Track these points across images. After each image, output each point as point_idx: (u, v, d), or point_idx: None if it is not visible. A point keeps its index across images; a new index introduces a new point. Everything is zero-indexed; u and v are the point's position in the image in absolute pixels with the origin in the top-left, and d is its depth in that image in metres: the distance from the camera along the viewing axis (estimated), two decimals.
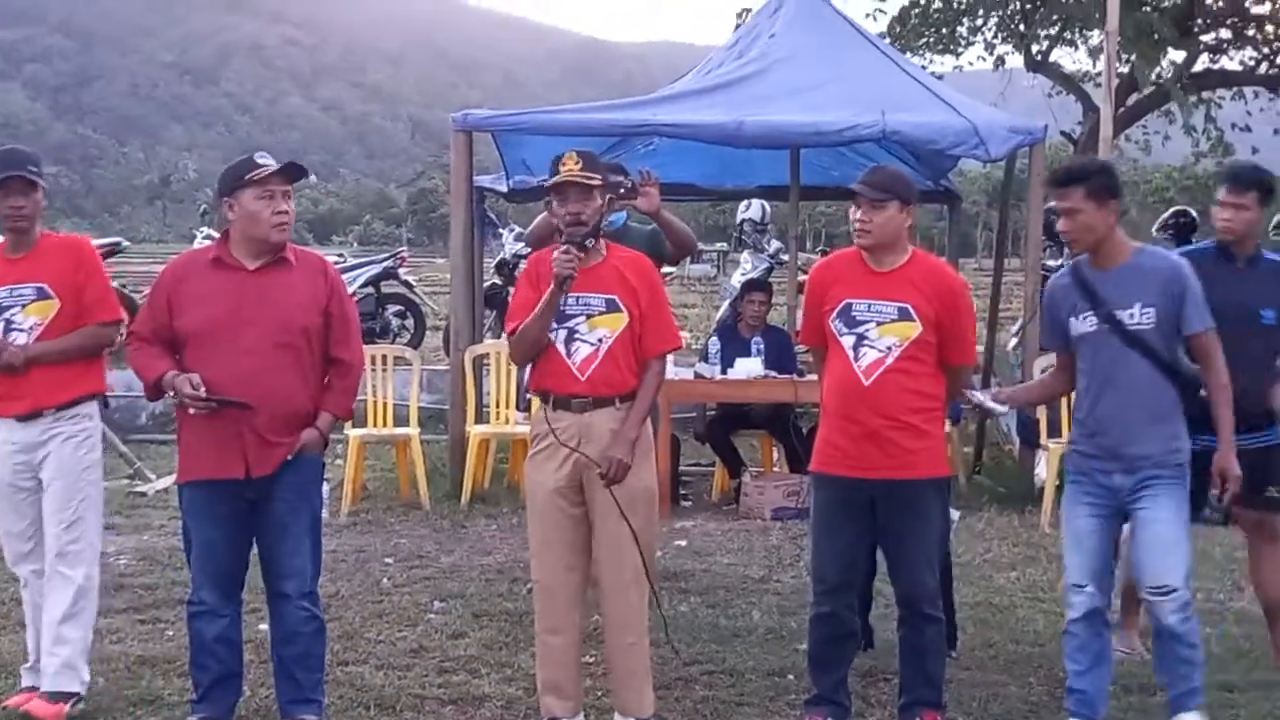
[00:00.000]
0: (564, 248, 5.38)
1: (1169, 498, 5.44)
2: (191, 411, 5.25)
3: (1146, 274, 5.47)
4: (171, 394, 5.28)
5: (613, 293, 5.49)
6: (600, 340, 5.48)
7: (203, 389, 5.20)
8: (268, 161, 5.38)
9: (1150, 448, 5.44)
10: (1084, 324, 5.54)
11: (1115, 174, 5.66)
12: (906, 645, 5.70)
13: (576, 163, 5.47)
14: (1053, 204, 15.36)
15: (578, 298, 5.45)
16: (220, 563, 5.48)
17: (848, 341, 5.48)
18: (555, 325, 5.46)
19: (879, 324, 5.45)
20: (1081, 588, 5.58)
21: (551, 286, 5.37)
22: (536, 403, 5.77)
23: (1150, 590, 5.49)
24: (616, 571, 5.55)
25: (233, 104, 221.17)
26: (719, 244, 49.97)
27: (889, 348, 5.44)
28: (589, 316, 5.47)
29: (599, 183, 5.49)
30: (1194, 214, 16.35)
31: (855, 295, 5.50)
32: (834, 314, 5.51)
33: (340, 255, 20.36)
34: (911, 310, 5.44)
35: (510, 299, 5.78)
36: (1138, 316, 5.43)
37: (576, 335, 5.48)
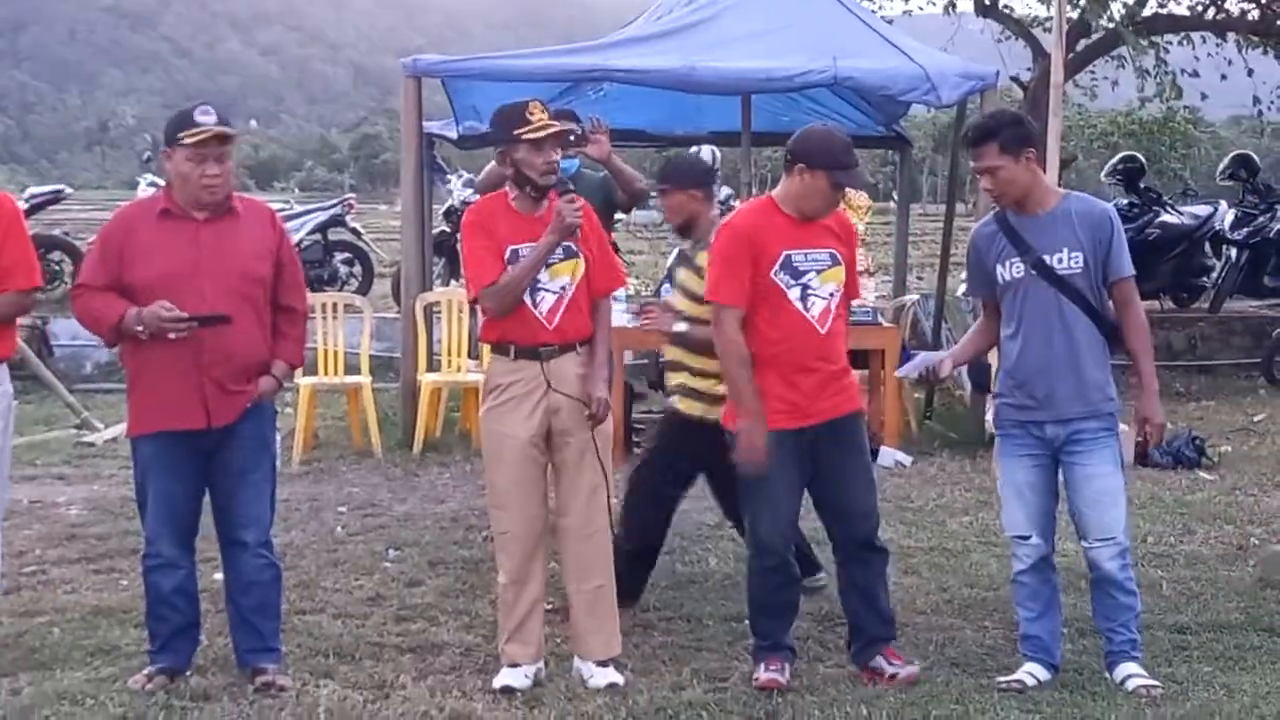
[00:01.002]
0: (568, 195, 5.43)
1: (1104, 448, 5.47)
2: (171, 336, 5.16)
3: (1074, 220, 5.46)
4: (140, 329, 5.17)
5: (568, 239, 5.49)
6: (563, 289, 5.52)
7: (174, 310, 5.13)
8: (205, 120, 5.27)
9: (1081, 394, 5.45)
10: (1011, 270, 5.50)
11: (1026, 123, 5.62)
12: (856, 585, 5.75)
13: (544, 112, 5.47)
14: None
15: (534, 248, 5.44)
16: (179, 514, 5.46)
17: (794, 293, 5.46)
18: None
19: (818, 272, 5.49)
20: (1026, 539, 5.62)
21: (552, 235, 5.40)
22: (488, 355, 5.76)
23: (1094, 542, 5.51)
24: (587, 515, 5.60)
25: (171, 48, 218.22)
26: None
27: (831, 294, 5.51)
28: (549, 265, 5.48)
29: (568, 129, 5.51)
30: (1142, 159, 16.49)
31: (791, 246, 5.48)
32: (775, 266, 5.45)
33: (286, 203, 20.18)
34: (838, 254, 5.55)
35: (463, 250, 5.72)
36: (1066, 261, 5.42)
37: (539, 285, 5.49)
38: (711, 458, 6.06)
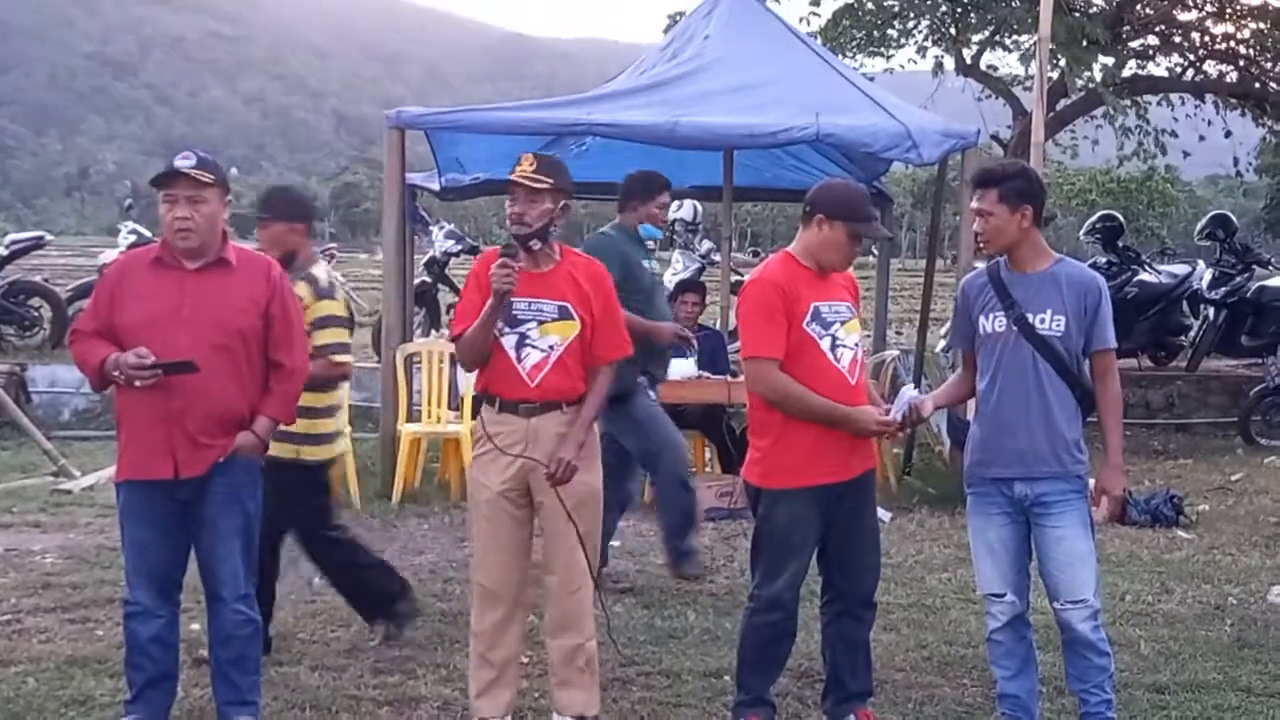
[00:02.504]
0: (500, 261, 5.35)
1: (1073, 510, 5.44)
2: (138, 384, 5.13)
3: (1063, 284, 5.45)
4: (117, 373, 5.16)
5: (565, 299, 5.51)
6: (551, 348, 5.49)
7: (150, 358, 5.10)
8: (181, 163, 5.28)
9: (1051, 454, 5.43)
10: (992, 323, 5.50)
11: (1032, 178, 5.60)
12: (845, 637, 5.73)
13: (531, 164, 5.48)
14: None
15: (530, 303, 5.46)
16: (153, 563, 5.40)
17: (825, 344, 5.45)
18: (507, 329, 5.47)
19: (842, 323, 5.50)
20: (1000, 597, 5.58)
21: (491, 299, 5.37)
22: (468, 404, 5.77)
23: (1064, 605, 5.48)
24: (567, 572, 5.58)
25: (153, 96, 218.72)
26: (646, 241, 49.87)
27: (854, 344, 5.54)
28: (540, 323, 5.48)
29: (546, 186, 5.48)
30: (1120, 218, 16.61)
31: (817, 298, 5.48)
32: (808, 318, 5.43)
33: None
34: (853, 308, 5.59)
35: (457, 301, 5.75)
36: (1049, 323, 5.41)
37: (527, 341, 5.48)
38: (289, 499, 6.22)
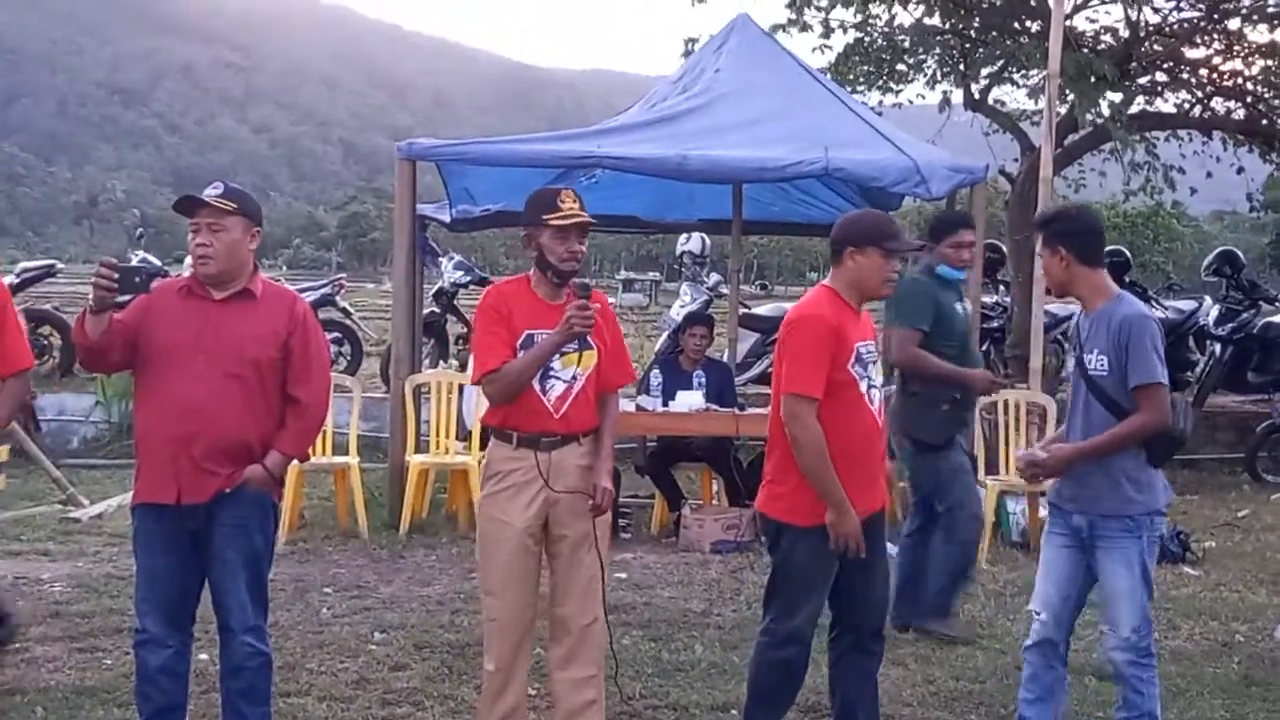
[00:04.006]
0: (581, 303, 5.39)
1: (1119, 549, 5.52)
2: (104, 293, 5.05)
3: (1106, 322, 5.56)
4: (92, 304, 5.11)
5: (572, 341, 5.53)
6: (574, 378, 5.53)
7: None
8: (206, 193, 5.35)
9: (1101, 495, 5.53)
10: (1070, 363, 5.78)
11: (1073, 218, 5.76)
12: (856, 670, 5.74)
13: (575, 201, 5.52)
14: (992, 242, 15.54)
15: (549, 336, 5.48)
16: (162, 591, 5.40)
17: (864, 385, 5.46)
18: None
19: (873, 363, 5.53)
20: (1037, 614, 5.73)
21: (558, 335, 5.40)
22: (476, 435, 5.78)
23: (1105, 634, 5.67)
24: (584, 605, 5.59)
25: (163, 124, 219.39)
26: (651, 273, 49.98)
27: (881, 385, 5.58)
28: (563, 354, 5.50)
29: (591, 224, 5.55)
30: (1127, 253, 16.65)
31: (859, 338, 5.49)
32: (851, 359, 5.42)
33: (275, 280, 20.20)
34: (877, 344, 5.61)
35: (474, 330, 5.74)
36: (1094, 363, 5.56)
37: (551, 372, 5.50)
38: None
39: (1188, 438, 5.73)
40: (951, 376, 7.72)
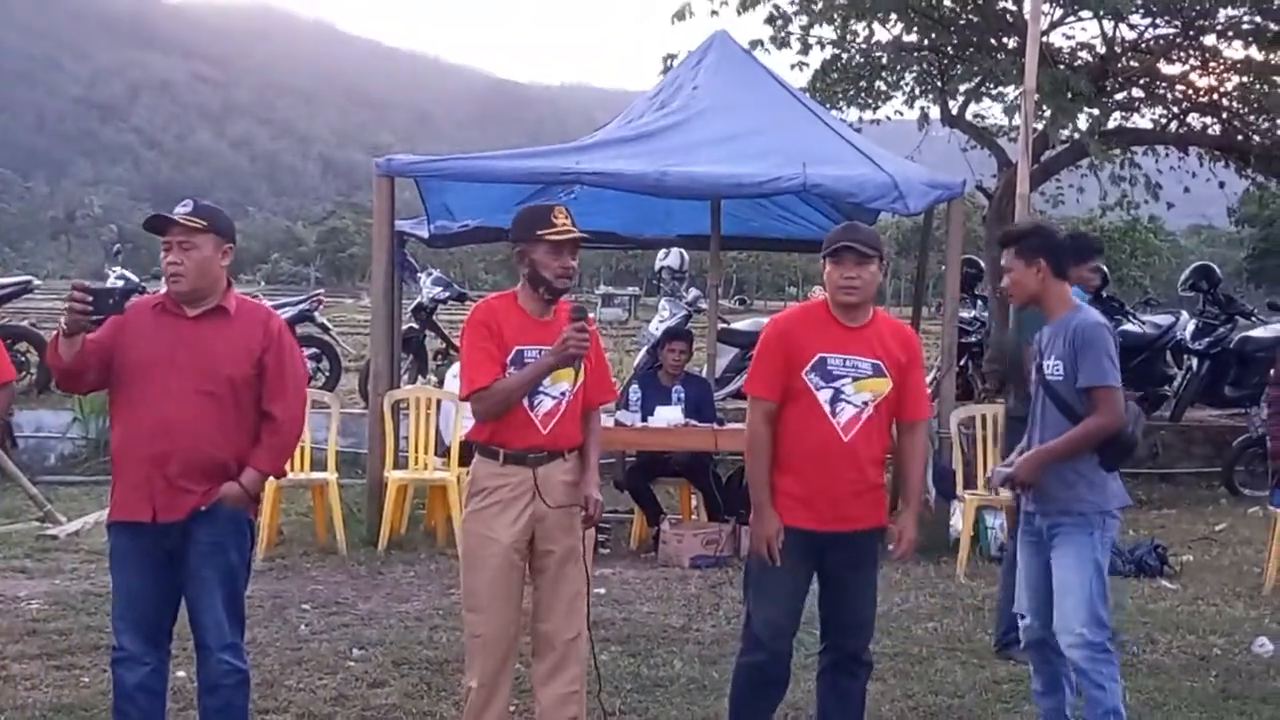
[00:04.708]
0: (578, 325, 5.41)
1: (1071, 545, 5.76)
2: (67, 318, 5.06)
3: (1062, 329, 5.87)
4: (65, 326, 5.11)
5: (567, 363, 5.54)
6: (562, 394, 5.54)
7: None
8: (175, 211, 5.34)
9: (1055, 493, 5.81)
10: (1034, 372, 6.01)
11: (1047, 235, 6.03)
12: (836, 690, 5.74)
13: (568, 217, 5.53)
14: (970, 257, 15.60)
15: (541, 350, 5.49)
16: (139, 609, 5.39)
17: (824, 396, 5.44)
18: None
19: (855, 379, 5.46)
20: (1023, 618, 6.02)
21: (553, 358, 5.42)
22: (456, 451, 5.77)
23: (1057, 631, 5.78)
24: (569, 620, 5.61)
25: (141, 140, 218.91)
26: (630, 288, 50.00)
27: (864, 403, 5.47)
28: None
29: (588, 238, 5.58)
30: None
31: (829, 350, 5.47)
32: (808, 368, 5.45)
33: (253, 295, 20.17)
34: (884, 366, 5.50)
35: (462, 346, 5.73)
36: (1051, 368, 5.86)
37: (540, 389, 5.51)
38: None
39: (1138, 442, 5.94)
40: None
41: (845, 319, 5.53)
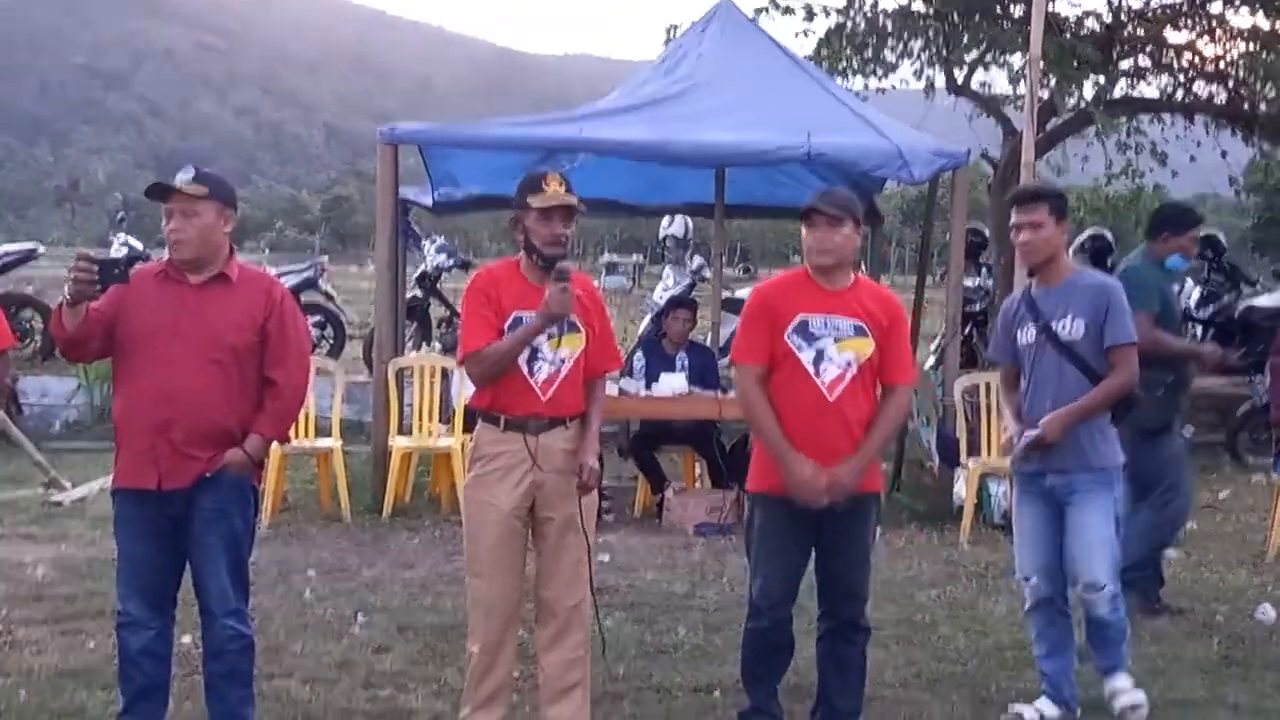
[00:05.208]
0: (561, 285, 5.38)
1: (1095, 500, 5.92)
2: (70, 287, 5.07)
3: (1080, 290, 6.01)
4: (68, 295, 5.11)
5: (554, 323, 5.53)
6: (563, 361, 5.53)
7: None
8: (177, 178, 5.34)
9: (1076, 450, 5.92)
10: (1025, 335, 6.07)
11: (1065, 199, 6.20)
12: (834, 656, 5.78)
13: (561, 184, 5.50)
14: (975, 225, 15.53)
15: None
16: (144, 575, 5.41)
17: (807, 356, 5.48)
18: None
19: (837, 340, 5.50)
20: (1028, 580, 6.09)
21: (538, 319, 5.41)
22: (460, 418, 5.77)
23: (1083, 587, 5.94)
24: (571, 586, 5.62)
25: (144, 108, 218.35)
26: (635, 256, 49.92)
27: (848, 363, 5.50)
28: (550, 336, 5.50)
29: (578, 206, 5.54)
30: (1109, 236, 16.68)
31: (810, 311, 5.52)
32: (789, 329, 5.49)
33: (258, 263, 20.16)
34: (866, 327, 5.53)
35: (462, 311, 5.74)
36: (1069, 328, 5.95)
37: (540, 355, 5.50)
38: None
39: (1141, 398, 6.12)
40: (1189, 352, 8.08)
41: (825, 282, 5.57)
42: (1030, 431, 5.98)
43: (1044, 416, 5.93)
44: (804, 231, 5.56)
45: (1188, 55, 17.34)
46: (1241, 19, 17.00)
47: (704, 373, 10.94)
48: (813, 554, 5.69)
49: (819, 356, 5.48)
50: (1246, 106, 17.18)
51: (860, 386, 5.54)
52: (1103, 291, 6.02)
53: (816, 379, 5.48)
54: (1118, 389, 5.93)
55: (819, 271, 5.57)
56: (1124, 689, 6.12)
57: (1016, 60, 16.32)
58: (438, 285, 17.20)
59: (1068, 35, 15.36)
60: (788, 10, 16.56)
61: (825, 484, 5.40)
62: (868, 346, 5.52)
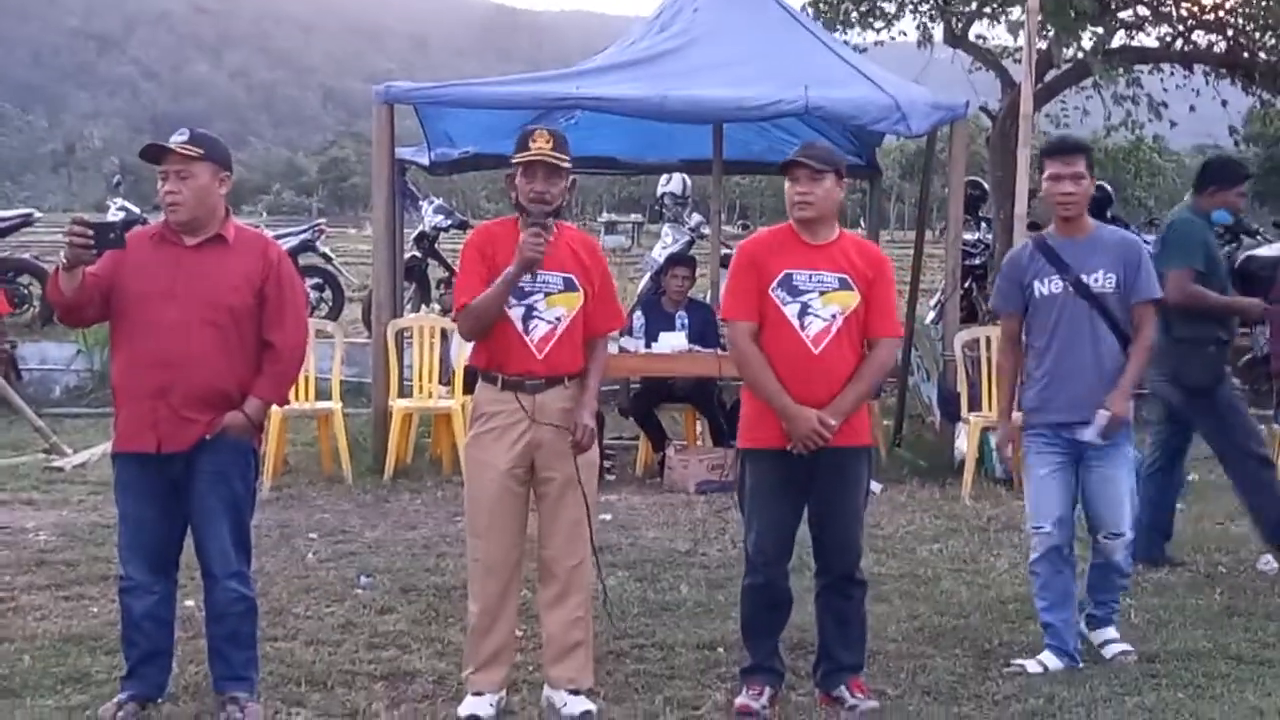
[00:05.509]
0: (533, 229, 5.36)
1: (1121, 454, 6.10)
2: (66, 252, 5.06)
3: (1106, 244, 6.11)
4: (64, 261, 5.10)
5: (570, 271, 5.53)
6: (558, 319, 5.51)
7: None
8: (174, 139, 5.32)
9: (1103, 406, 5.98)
10: (1049, 286, 6.08)
11: None
12: (832, 611, 5.78)
13: (548, 141, 5.46)
14: (974, 179, 15.44)
15: (536, 274, 5.45)
16: (146, 539, 5.42)
17: (792, 310, 5.47)
18: (514, 301, 5.46)
19: (822, 293, 5.49)
20: (1039, 528, 6.16)
21: (514, 267, 5.37)
22: (460, 379, 5.76)
23: (1106, 535, 6.15)
24: (572, 545, 5.63)
25: (139, 71, 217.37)
26: (634, 215, 49.88)
27: (834, 315, 5.49)
28: (547, 294, 5.49)
29: (566, 164, 5.49)
30: (1108, 188, 16.63)
31: (794, 266, 5.51)
32: (774, 284, 5.49)
33: (256, 225, 20.11)
34: (850, 280, 5.52)
35: (458, 270, 5.72)
36: (1101, 281, 6.01)
37: (535, 313, 5.49)
38: None
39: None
40: (1231, 307, 8.02)
41: (808, 236, 5.57)
42: (1102, 412, 5.97)
43: (1080, 375, 6.01)
44: (786, 185, 5.55)
45: (1186, 4, 17.22)
46: None
47: (704, 330, 10.93)
48: (805, 510, 5.68)
49: (803, 310, 5.48)
50: (1246, 55, 17.07)
51: (846, 340, 5.53)
52: (1131, 247, 6.14)
53: (801, 333, 5.48)
54: (1151, 344, 6.10)
55: (802, 225, 5.57)
56: (1114, 639, 6.36)
57: (1015, 12, 16.23)
58: (436, 246, 17.16)
59: None
60: None
61: (828, 429, 5.42)
62: (852, 299, 5.51)
